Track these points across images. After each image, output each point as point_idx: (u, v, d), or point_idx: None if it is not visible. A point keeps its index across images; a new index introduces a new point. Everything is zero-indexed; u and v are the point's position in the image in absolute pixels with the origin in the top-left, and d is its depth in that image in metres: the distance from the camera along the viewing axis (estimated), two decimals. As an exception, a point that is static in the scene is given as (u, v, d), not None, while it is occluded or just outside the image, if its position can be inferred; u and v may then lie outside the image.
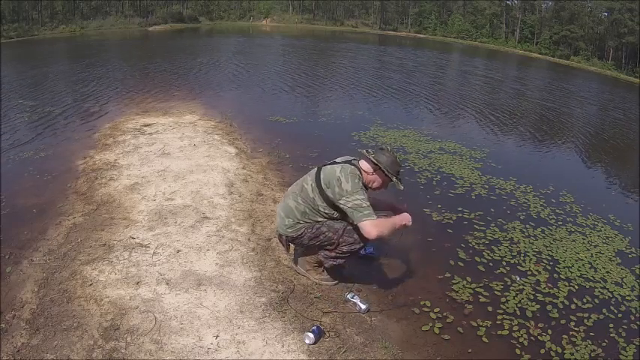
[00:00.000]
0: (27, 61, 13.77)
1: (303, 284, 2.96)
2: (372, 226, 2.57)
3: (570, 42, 35.08)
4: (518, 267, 3.54)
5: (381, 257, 3.45)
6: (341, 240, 2.76)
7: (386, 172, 2.73)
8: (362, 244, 2.82)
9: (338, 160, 2.84)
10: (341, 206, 2.63)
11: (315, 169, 2.83)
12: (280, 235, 2.91)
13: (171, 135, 5.80)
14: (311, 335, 2.46)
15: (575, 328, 2.91)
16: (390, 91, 11.06)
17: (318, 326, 2.54)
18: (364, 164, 2.77)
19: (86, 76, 10.61)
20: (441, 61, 21.83)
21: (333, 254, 2.82)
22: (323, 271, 3.02)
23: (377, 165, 2.72)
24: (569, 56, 33.93)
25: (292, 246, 3.03)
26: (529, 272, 3.47)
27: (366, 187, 2.75)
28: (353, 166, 2.72)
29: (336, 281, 3.03)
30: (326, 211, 2.73)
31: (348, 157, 2.85)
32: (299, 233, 2.78)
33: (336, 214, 2.74)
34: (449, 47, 31.00)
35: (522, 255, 3.71)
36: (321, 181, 2.69)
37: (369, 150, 2.82)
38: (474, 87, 14.05)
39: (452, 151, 6.24)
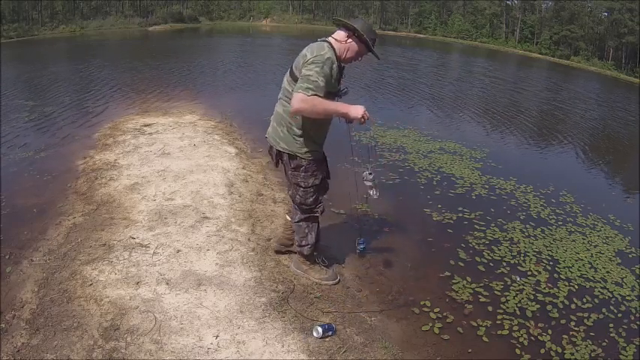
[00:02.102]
0: (27, 62, 13.77)
1: (303, 284, 2.96)
2: (298, 100, 2.39)
3: (570, 42, 35.07)
4: (519, 267, 3.54)
5: (370, 253, 3.39)
6: (306, 182, 2.72)
7: (360, 37, 2.55)
8: (314, 215, 2.83)
9: None
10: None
11: None
12: (271, 147, 2.80)
13: (171, 135, 5.80)
14: (319, 329, 2.48)
15: (575, 328, 2.91)
16: (390, 91, 11.06)
17: (330, 324, 2.55)
18: (338, 35, 2.60)
19: (86, 76, 10.62)
20: (441, 60, 21.83)
21: (300, 205, 2.81)
22: (321, 268, 3.03)
23: (351, 31, 2.56)
24: (569, 56, 33.92)
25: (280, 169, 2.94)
26: (529, 272, 3.47)
27: (339, 60, 2.59)
28: (322, 41, 2.59)
29: (337, 279, 3.03)
30: None
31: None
32: (290, 156, 2.68)
33: None
34: (449, 47, 31.00)
35: (522, 255, 3.71)
36: (293, 69, 2.58)
37: (341, 20, 2.65)
38: (473, 87, 14.05)
39: (452, 151, 6.24)
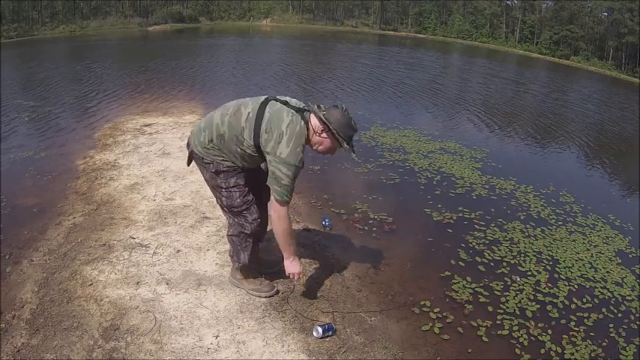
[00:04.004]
0: (27, 62, 13.77)
1: (303, 284, 2.95)
2: (277, 214, 2.33)
3: (570, 42, 35.05)
4: (519, 267, 3.54)
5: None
6: (227, 183, 2.45)
7: (336, 135, 2.31)
8: (244, 232, 2.51)
9: (292, 101, 2.40)
10: (266, 157, 2.30)
11: (263, 98, 2.40)
12: (188, 145, 2.54)
13: (171, 135, 5.80)
14: (319, 329, 2.48)
15: (575, 328, 2.91)
16: (391, 91, 11.06)
17: (330, 324, 2.55)
18: (314, 121, 2.34)
19: (86, 75, 10.61)
20: (441, 61, 21.83)
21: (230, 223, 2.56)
22: (256, 279, 2.77)
23: (326, 125, 2.30)
24: (569, 56, 33.90)
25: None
26: (529, 272, 3.47)
27: (310, 146, 2.40)
28: (304, 123, 2.31)
29: (274, 291, 2.78)
30: (247, 151, 2.34)
31: (302, 104, 2.41)
32: (205, 161, 2.43)
33: (255, 155, 2.37)
34: (449, 47, 30.99)
35: (522, 255, 3.71)
36: (263, 121, 2.28)
37: (321, 106, 2.37)
38: (473, 86, 14.05)
39: (452, 151, 6.24)
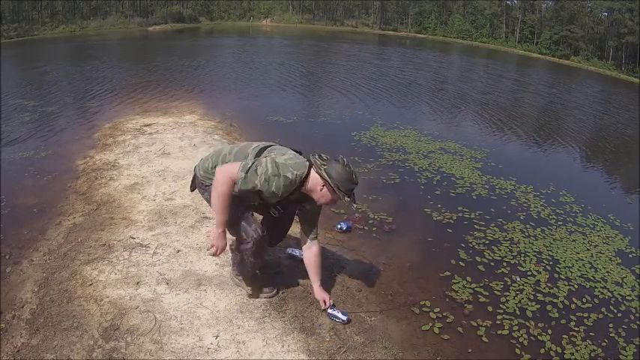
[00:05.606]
0: (27, 61, 13.77)
1: (302, 284, 2.96)
2: (224, 178, 2.28)
3: (570, 42, 35.04)
4: (519, 267, 3.54)
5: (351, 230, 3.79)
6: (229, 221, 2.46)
7: (335, 190, 2.33)
8: (246, 247, 2.49)
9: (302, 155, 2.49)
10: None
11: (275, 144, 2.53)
12: (195, 168, 2.63)
13: (171, 135, 5.80)
14: (339, 315, 2.59)
15: (575, 328, 2.91)
16: (391, 91, 11.05)
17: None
18: (314, 174, 2.37)
19: (86, 75, 10.61)
20: (441, 61, 21.83)
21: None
22: (257, 280, 2.79)
23: (327, 181, 2.33)
24: (569, 56, 33.88)
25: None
26: (529, 272, 3.47)
27: (303, 192, 2.42)
28: (308, 164, 2.37)
29: (274, 290, 2.80)
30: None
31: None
32: (205, 184, 2.51)
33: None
34: (449, 47, 30.98)
35: (522, 255, 3.71)
36: (266, 149, 2.42)
37: (323, 156, 2.40)
38: (474, 86, 14.04)
39: (452, 151, 6.24)
